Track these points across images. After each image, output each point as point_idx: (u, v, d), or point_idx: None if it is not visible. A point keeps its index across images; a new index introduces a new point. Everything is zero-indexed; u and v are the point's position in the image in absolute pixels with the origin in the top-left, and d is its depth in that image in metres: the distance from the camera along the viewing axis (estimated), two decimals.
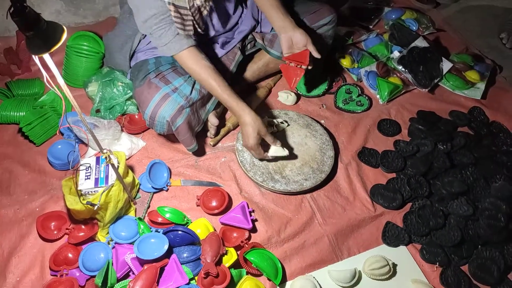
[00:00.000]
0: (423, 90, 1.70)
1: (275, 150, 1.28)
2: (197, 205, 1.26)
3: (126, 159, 1.31)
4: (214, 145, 1.43)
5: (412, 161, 1.43)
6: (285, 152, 1.28)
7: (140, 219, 1.17)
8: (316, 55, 1.24)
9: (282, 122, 1.41)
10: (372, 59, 1.77)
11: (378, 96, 1.66)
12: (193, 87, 1.25)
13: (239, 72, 1.51)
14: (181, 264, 1.09)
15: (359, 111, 1.60)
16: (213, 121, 1.37)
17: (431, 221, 1.28)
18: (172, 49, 1.12)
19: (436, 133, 1.50)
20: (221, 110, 1.47)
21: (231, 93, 1.16)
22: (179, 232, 1.12)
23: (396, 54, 1.75)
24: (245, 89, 1.58)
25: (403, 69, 1.70)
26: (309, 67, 1.27)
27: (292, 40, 1.25)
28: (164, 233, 1.12)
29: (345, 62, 1.75)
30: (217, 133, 1.43)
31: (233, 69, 1.40)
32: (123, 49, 1.38)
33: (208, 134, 1.43)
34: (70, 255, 1.12)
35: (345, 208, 1.32)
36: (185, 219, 1.20)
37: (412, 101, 1.67)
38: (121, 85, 1.40)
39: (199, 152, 1.40)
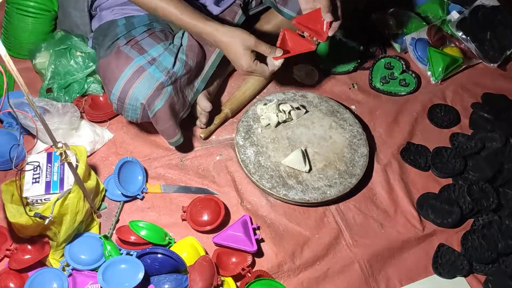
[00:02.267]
0: (491, 65, 1.69)
1: (291, 160, 1.30)
2: (183, 219, 1.26)
3: (88, 156, 1.30)
4: (205, 138, 1.43)
5: (474, 162, 1.42)
6: (306, 167, 1.30)
7: (106, 237, 1.17)
8: (327, 17, 1.20)
9: (298, 108, 1.41)
10: (421, 22, 1.76)
11: (429, 73, 1.66)
12: (176, 57, 1.25)
13: None
14: None
15: (403, 93, 1.60)
16: (204, 105, 1.37)
17: (500, 244, 1.28)
18: None
19: (508, 124, 1.50)
20: (215, 89, 1.47)
21: (195, 14, 1.16)
22: (159, 255, 1.12)
23: (454, 15, 1.74)
24: None
25: (463, 36, 1.69)
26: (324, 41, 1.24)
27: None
28: (139, 257, 1.12)
29: (385, 26, 1.73)
30: (209, 121, 1.43)
31: None
32: (79, 2, 1.37)
33: (198, 123, 1.43)
34: (11, 284, 1.11)
35: (383, 224, 1.32)
36: (167, 238, 1.20)
37: (475, 80, 1.66)
38: (80, 55, 1.40)
39: (186, 147, 1.39)
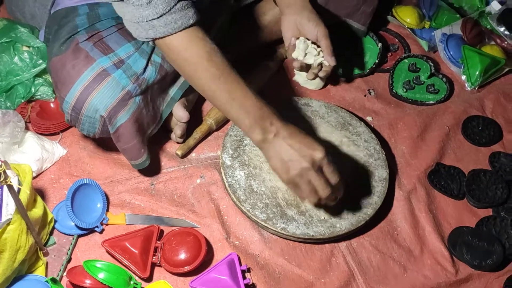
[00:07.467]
0: None
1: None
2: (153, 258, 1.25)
3: (34, 178, 1.30)
4: (183, 156, 1.43)
5: None
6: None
7: (54, 280, 1.16)
8: (331, 61, 1.40)
9: None
10: (454, 14, 1.78)
11: (463, 78, 1.67)
12: (149, 59, 1.25)
13: (232, 32, 1.52)
14: None
15: (431, 101, 1.61)
16: (179, 114, 1.37)
17: None
18: (170, 24, 1.06)
19: None
20: (195, 98, 1.47)
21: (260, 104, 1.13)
22: None
23: (495, 6, 1.76)
24: (240, 61, 1.57)
25: (506, 32, 1.71)
26: None
27: (297, 27, 1.40)
28: None
29: (409, 19, 1.75)
30: (188, 135, 1.43)
31: (222, 28, 1.41)
32: None
33: (173, 136, 1.43)
34: None
35: (406, 267, 1.32)
36: (132, 282, 1.19)
37: None
38: (27, 51, 1.40)
39: (158, 167, 1.40)
